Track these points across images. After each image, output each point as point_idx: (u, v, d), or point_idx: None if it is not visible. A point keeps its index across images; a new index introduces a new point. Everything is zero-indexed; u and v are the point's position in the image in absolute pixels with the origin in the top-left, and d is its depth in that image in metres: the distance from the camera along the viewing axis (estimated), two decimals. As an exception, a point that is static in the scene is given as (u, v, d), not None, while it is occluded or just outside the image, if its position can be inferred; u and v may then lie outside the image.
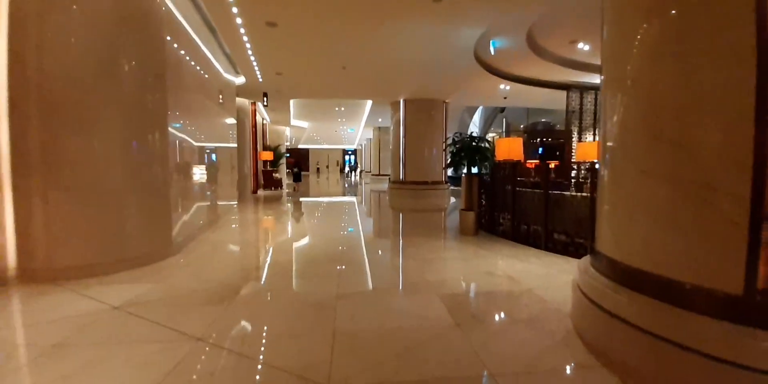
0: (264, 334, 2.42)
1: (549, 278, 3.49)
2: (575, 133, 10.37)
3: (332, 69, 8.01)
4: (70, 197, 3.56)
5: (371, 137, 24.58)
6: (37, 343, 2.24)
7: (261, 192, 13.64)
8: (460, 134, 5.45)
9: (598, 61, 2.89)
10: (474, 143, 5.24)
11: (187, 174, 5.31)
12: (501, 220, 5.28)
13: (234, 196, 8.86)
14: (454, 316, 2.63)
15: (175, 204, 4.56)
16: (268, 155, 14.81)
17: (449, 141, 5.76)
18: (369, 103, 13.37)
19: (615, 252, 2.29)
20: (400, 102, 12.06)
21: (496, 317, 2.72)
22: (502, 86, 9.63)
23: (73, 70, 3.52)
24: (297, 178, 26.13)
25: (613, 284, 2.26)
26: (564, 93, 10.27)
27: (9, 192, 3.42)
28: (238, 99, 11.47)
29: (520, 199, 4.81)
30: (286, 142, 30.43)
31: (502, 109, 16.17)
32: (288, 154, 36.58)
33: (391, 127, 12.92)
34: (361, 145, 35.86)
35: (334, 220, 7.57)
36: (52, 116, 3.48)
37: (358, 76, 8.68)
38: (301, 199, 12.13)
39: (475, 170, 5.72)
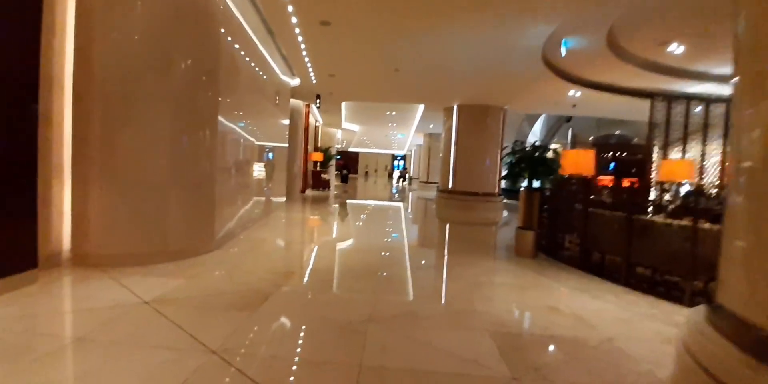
0: (280, 355, 2.11)
1: (632, 325, 2.80)
2: (657, 149, 9.07)
3: (385, 71, 7.75)
4: (120, 187, 3.61)
5: (421, 143, 24.16)
6: (62, 334, 2.27)
7: (309, 192, 13.82)
8: (521, 143, 4.83)
9: (693, 66, 2.22)
10: (537, 154, 4.60)
11: (238, 171, 5.31)
12: (566, 244, 4.56)
13: (283, 194, 8.96)
14: (510, 365, 2.11)
15: (220, 200, 4.52)
16: (318, 156, 15.02)
17: (507, 150, 5.16)
18: (420, 108, 12.99)
19: (754, 312, 1.63)
20: (453, 108, 11.50)
21: (567, 374, 2.14)
22: (571, 92, 8.71)
23: (132, 65, 3.57)
24: (344, 179, 26.71)
25: (747, 358, 1.60)
26: (646, 102, 9.04)
27: (69, 179, 3.54)
28: (292, 100, 11.72)
29: (594, 221, 4.09)
30: (337, 144, 31.17)
31: (569, 119, 14.83)
32: (338, 157, 37.54)
33: (442, 134, 12.38)
34: (411, 151, 35.56)
35: (378, 227, 7.28)
36: (109, 109, 3.54)
37: (410, 78, 8.34)
38: (348, 200, 12.04)
39: (536, 184, 5.06)
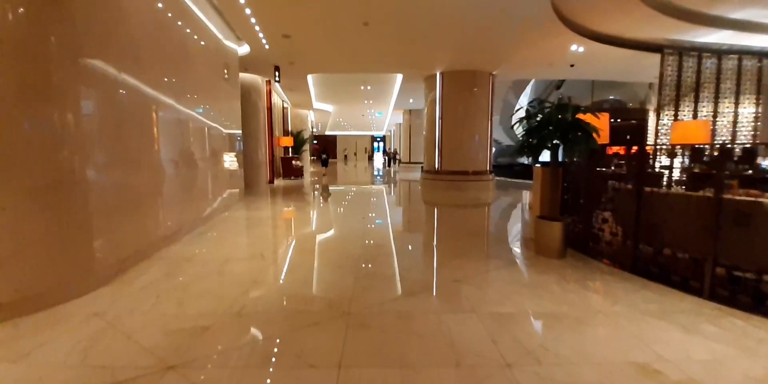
0: None
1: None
2: (668, 110, 7.97)
3: (351, 26, 6.21)
4: None
5: (401, 122, 22.64)
6: None
7: (279, 181, 12.28)
8: (540, 101, 3.52)
9: (711, 9, 0.91)
10: (565, 115, 3.30)
11: (147, 164, 3.82)
12: (605, 235, 3.38)
13: (238, 187, 7.43)
14: None
15: (105, 209, 3.07)
16: (287, 141, 13.39)
17: (519, 113, 3.85)
18: (399, 79, 11.47)
19: None
20: (436, 76, 10.08)
21: None
22: (574, 47, 7.41)
23: None
24: (324, 163, 25.39)
25: None
26: (651, 58, 7.87)
27: None
28: (247, 75, 9.98)
29: (653, 206, 2.89)
30: (313, 128, 29.17)
31: (559, 85, 13.63)
32: (314, 141, 35.64)
33: (425, 109, 11.00)
34: (390, 131, 33.96)
35: (354, 219, 5.92)
36: None
37: (384, 37, 6.83)
38: (322, 188, 10.61)
39: (545, 158, 3.81)
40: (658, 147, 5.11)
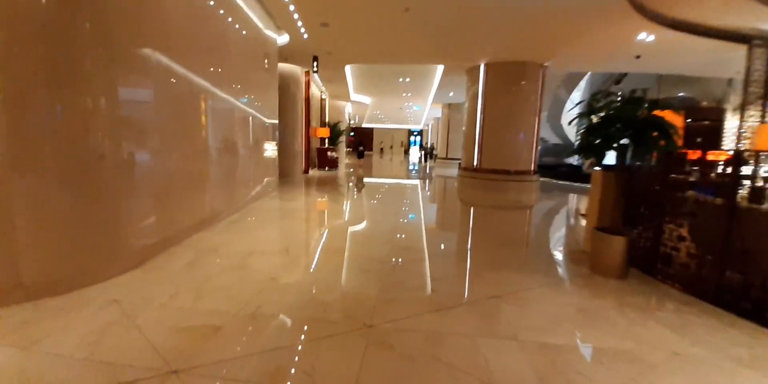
0: None
1: None
2: (753, 110, 6.89)
3: (391, 12, 5.86)
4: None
5: (439, 116, 21.95)
6: None
7: (314, 172, 12.31)
8: (606, 93, 3.00)
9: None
10: (639, 112, 2.76)
11: (179, 149, 3.77)
12: (679, 256, 2.85)
13: (274, 176, 7.43)
14: None
15: (133, 192, 3.04)
16: (324, 132, 13.35)
17: (576, 109, 3.35)
18: (439, 71, 10.95)
19: None
20: (479, 68, 9.47)
21: None
22: (642, 35, 6.56)
23: None
24: (360, 155, 25.55)
25: None
26: (734, 51, 6.80)
27: None
28: (287, 66, 9.95)
29: (749, 226, 2.34)
30: (350, 120, 29.16)
31: (619, 80, 12.38)
32: (352, 133, 35.77)
33: (466, 103, 10.43)
34: (428, 126, 33.22)
35: (385, 216, 5.66)
36: None
37: (425, 22, 6.40)
38: (357, 180, 10.46)
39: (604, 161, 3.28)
40: (752, 153, 4.33)
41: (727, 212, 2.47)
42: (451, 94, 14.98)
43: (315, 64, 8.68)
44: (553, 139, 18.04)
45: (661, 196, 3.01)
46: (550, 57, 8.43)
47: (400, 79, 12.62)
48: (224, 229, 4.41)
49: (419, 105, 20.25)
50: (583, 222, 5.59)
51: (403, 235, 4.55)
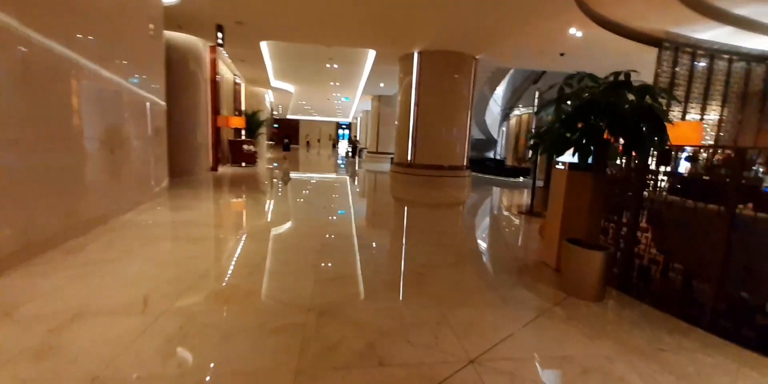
0: None
1: None
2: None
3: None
4: None
5: (369, 109, 21.18)
6: None
7: (226, 169, 10.53)
8: (582, 78, 2.44)
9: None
10: (634, 95, 2.19)
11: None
12: (656, 269, 2.42)
13: (152, 178, 5.76)
14: None
15: None
16: (238, 122, 11.55)
17: (549, 93, 2.77)
18: (370, 58, 10.10)
19: None
20: (413, 56, 8.86)
21: None
22: (573, 30, 6.51)
23: None
24: (286, 148, 23.88)
25: None
26: (646, 53, 7.25)
27: None
28: (186, 38, 8.12)
29: (756, 239, 1.93)
30: (273, 110, 26.74)
31: (536, 80, 12.94)
32: (276, 125, 33.12)
33: (399, 97, 9.78)
34: (357, 119, 32.33)
35: (310, 223, 4.62)
36: None
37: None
38: (276, 179, 9.09)
39: (572, 160, 2.79)
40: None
41: (727, 222, 2.05)
42: (381, 85, 14.28)
43: (220, 35, 7.11)
44: (477, 135, 18.65)
45: (637, 200, 2.56)
46: (484, 49, 8.16)
47: (327, 65, 11.46)
48: (48, 268, 2.68)
49: (348, 96, 19.22)
50: (534, 223, 5.25)
51: (330, 264, 3.44)
